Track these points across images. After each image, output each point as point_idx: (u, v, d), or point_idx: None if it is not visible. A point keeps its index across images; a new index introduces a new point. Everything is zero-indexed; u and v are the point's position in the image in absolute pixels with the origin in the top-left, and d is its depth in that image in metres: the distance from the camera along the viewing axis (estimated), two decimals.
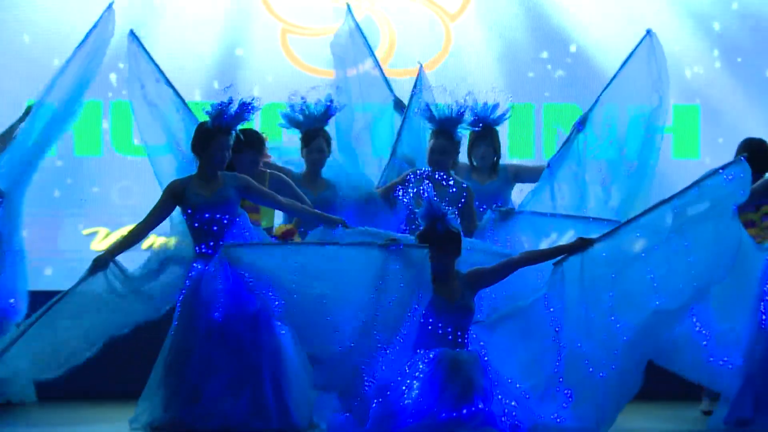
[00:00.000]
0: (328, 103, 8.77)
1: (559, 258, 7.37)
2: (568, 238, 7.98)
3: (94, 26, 8.88)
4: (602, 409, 7.09)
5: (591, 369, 7.11)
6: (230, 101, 7.68)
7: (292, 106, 8.78)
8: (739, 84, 10.71)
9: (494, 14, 10.64)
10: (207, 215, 7.68)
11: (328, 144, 8.77)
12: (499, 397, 7.03)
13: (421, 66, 9.28)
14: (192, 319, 7.53)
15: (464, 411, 6.91)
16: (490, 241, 8.23)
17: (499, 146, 9.02)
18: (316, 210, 7.96)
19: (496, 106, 8.93)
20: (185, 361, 7.48)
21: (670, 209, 7.25)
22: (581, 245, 7.33)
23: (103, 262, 7.67)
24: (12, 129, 9.05)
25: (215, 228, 7.68)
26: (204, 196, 7.69)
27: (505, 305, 7.57)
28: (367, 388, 6.98)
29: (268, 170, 8.40)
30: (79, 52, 8.87)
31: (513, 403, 7.05)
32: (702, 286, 7.14)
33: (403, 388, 7.00)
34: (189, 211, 7.71)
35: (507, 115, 9.01)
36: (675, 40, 10.58)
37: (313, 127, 8.73)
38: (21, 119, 9.03)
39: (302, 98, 8.75)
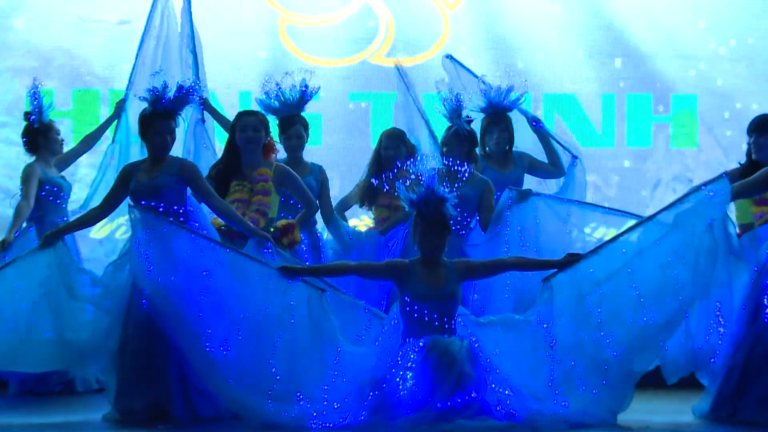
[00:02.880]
0: (303, 89, 8.70)
1: (547, 274, 7.35)
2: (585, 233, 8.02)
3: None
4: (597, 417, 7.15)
5: (583, 388, 7.16)
6: (165, 85, 7.47)
7: (267, 93, 8.71)
8: (741, 73, 10.68)
9: (493, 3, 10.62)
10: (143, 202, 7.44)
11: (306, 129, 8.71)
12: (493, 386, 7.01)
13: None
14: (129, 311, 7.33)
15: (458, 400, 6.89)
16: (507, 221, 8.14)
17: (513, 132, 8.89)
18: (249, 223, 7.69)
19: (509, 91, 8.82)
20: (116, 353, 7.33)
21: (655, 224, 7.29)
22: (570, 261, 7.33)
23: (51, 239, 7.47)
24: (107, 123, 9.16)
25: None
26: (142, 183, 7.48)
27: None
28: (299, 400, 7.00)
29: (275, 162, 8.30)
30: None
31: (507, 392, 7.03)
32: (686, 299, 7.18)
33: (398, 379, 6.97)
34: (129, 197, 7.52)
35: (521, 100, 8.89)
36: (672, 28, 10.60)
37: (289, 113, 8.69)
38: (114, 116, 9.12)
39: (277, 84, 8.70)
